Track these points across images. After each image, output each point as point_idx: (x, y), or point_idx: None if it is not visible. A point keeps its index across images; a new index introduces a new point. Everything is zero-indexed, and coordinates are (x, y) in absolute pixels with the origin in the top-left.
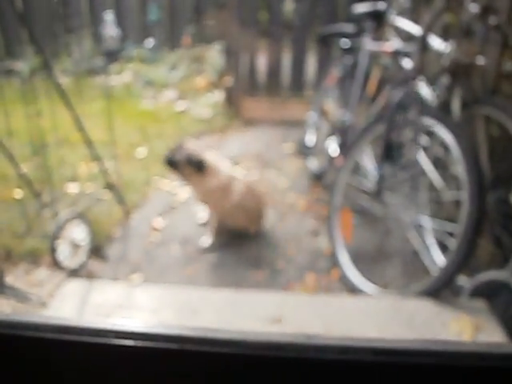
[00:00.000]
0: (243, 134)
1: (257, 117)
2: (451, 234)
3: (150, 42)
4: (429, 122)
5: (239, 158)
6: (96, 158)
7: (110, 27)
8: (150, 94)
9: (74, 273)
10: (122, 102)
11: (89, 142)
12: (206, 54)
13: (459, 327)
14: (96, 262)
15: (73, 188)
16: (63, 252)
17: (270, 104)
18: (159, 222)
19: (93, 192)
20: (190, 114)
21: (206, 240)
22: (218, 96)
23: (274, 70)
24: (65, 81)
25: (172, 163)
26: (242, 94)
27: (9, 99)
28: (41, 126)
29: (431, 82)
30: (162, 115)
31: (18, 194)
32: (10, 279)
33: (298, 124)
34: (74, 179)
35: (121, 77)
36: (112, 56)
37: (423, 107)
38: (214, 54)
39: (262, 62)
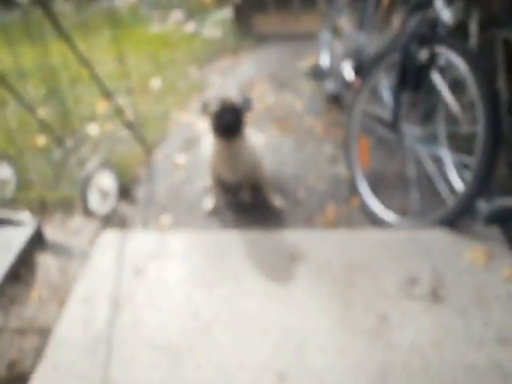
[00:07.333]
0: (255, 54)
1: (268, 33)
2: (467, 166)
3: None
4: (443, 50)
5: (253, 80)
6: (107, 95)
7: None
8: (157, 16)
9: (106, 218)
10: (129, 29)
11: (96, 79)
12: None
13: (473, 256)
14: (126, 206)
15: (93, 129)
16: (94, 200)
17: (281, 19)
18: (181, 159)
19: (112, 132)
20: (200, 36)
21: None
22: (227, 13)
23: None
24: (66, 9)
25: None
26: (252, 10)
27: (14, 36)
28: (51, 65)
29: (449, 3)
30: (171, 39)
31: (41, 140)
32: (48, 230)
33: (311, 38)
34: (92, 119)
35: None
36: None
37: (438, 35)
38: None
39: None
